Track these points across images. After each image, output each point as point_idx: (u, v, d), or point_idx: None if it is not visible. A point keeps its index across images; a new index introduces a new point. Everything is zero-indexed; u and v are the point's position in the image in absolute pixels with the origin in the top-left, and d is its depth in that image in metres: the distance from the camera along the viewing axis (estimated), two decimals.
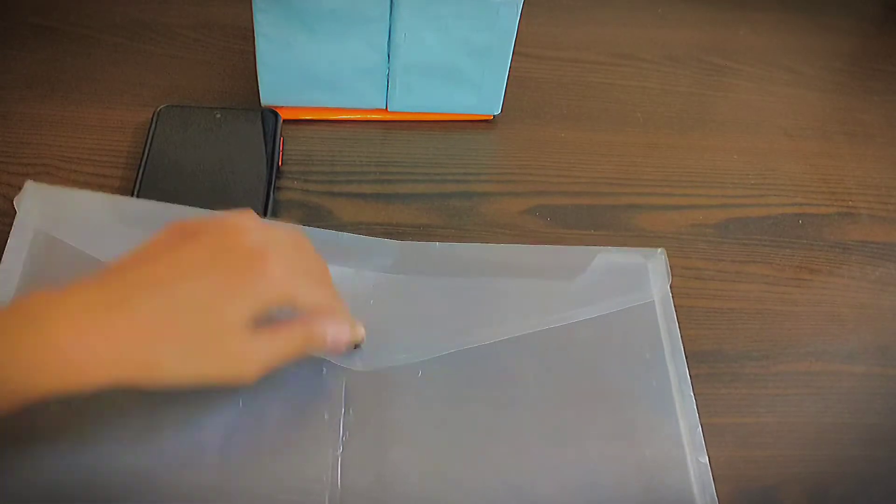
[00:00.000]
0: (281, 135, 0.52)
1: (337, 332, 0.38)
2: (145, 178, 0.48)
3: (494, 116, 0.56)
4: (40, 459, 0.36)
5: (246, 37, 0.51)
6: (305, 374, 0.40)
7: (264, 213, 0.47)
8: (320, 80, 0.52)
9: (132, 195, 0.47)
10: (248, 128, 0.52)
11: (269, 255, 0.35)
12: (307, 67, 0.52)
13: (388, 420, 0.40)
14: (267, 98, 0.53)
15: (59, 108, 0.54)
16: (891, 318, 0.49)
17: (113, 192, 0.49)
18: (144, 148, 0.50)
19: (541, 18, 0.65)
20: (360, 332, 0.40)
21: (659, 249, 0.47)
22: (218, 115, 0.52)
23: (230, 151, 0.50)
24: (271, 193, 0.49)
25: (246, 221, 0.36)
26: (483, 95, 0.54)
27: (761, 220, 0.54)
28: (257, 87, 0.53)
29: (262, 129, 0.52)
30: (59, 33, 0.59)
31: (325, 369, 0.41)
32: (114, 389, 0.32)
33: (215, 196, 0.48)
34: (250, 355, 0.35)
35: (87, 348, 0.31)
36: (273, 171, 0.50)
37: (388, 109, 0.55)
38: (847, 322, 0.49)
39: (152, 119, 0.51)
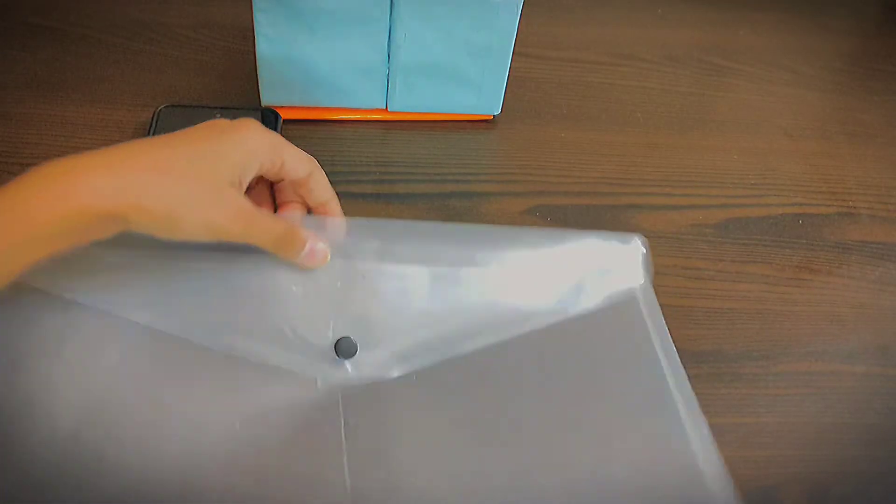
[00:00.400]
0: (281, 135, 0.52)
1: (317, 250, 0.40)
2: None
3: (494, 116, 0.56)
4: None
5: (246, 37, 0.51)
6: (299, 391, 0.40)
7: None
8: (320, 80, 0.52)
9: None
10: None
11: (251, 122, 0.38)
12: (307, 67, 0.52)
13: (386, 427, 0.40)
14: (267, 98, 0.53)
15: (59, 108, 0.54)
16: (891, 318, 0.49)
17: None
18: None
19: (541, 18, 0.65)
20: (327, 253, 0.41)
21: (636, 235, 0.44)
22: (218, 115, 0.52)
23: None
24: (271, 193, 0.49)
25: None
26: (483, 95, 0.54)
27: (761, 220, 0.54)
28: (257, 87, 0.53)
29: None
30: (59, 33, 0.59)
31: (318, 381, 0.41)
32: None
33: None
34: (233, 206, 0.37)
35: (92, 177, 0.33)
36: None
37: (388, 109, 0.55)
38: (847, 322, 0.49)
39: (152, 119, 0.51)
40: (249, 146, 0.38)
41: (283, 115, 0.53)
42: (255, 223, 0.38)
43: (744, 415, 0.44)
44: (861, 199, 0.56)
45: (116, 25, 0.60)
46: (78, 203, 0.32)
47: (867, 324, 0.49)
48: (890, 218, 0.55)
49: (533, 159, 0.55)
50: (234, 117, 0.52)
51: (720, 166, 0.56)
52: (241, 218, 0.37)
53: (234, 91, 0.56)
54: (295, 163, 0.40)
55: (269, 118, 0.52)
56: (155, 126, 0.51)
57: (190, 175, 0.35)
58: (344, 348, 0.41)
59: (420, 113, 0.55)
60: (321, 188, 0.41)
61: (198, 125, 0.38)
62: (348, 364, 0.41)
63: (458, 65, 0.52)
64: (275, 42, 0.50)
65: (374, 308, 0.42)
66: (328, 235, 0.41)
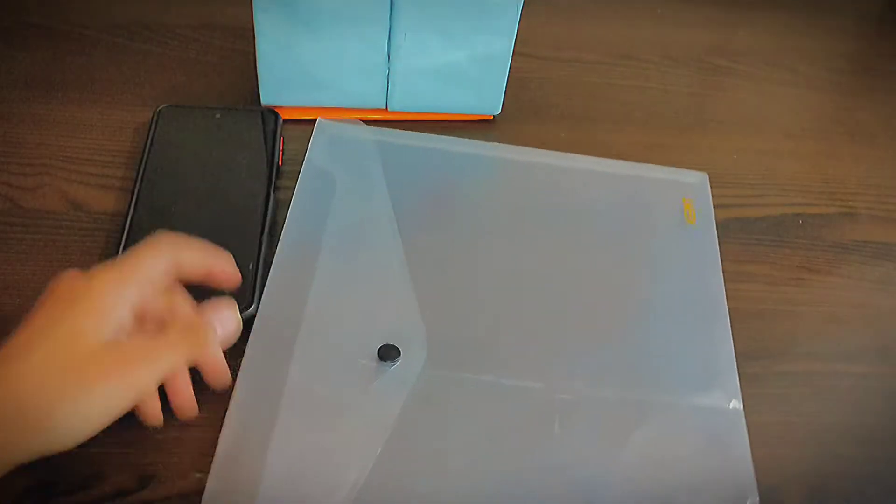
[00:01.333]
0: (281, 135, 0.52)
1: (224, 318, 0.37)
2: (145, 178, 0.48)
3: (494, 116, 0.56)
4: None
5: (246, 37, 0.51)
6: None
7: (265, 213, 0.47)
8: (320, 80, 0.52)
9: (132, 195, 0.47)
10: (248, 128, 0.52)
11: (89, 278, 0.35)
12: (307, 67, 0.52)
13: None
14: (267, 98, 0.53)
15: (60, 108, 0.54)
16: (891, 318, 0.49)
17: (114, 193, 0.49)
18: (144, 148, 0.50)
19: (541, 18, 0.65)
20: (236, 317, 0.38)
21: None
22: (218, 116, 0.52)
23: (230, 151, 0.50)
24: (271, 193, 0.49)
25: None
26: (483, 95, 0.54)
27: (761, 220, 0.54)
28: (257, 87, 0.53)
29: (262, 129, 0.52)
30: (59, 33, 0.59)
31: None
32: None
33: (215, 196, 0.48)
34: (123, 359, 0.33)
35: None
36: (273, 171, 0.50)
37: (389, 109, 0.55)
38: (847, 322, 0.49)
39: (152, 119, 0.51)
40: (101, 298, 0.34)
41: (283, 115, 0.53)
42: (154, 358, 0.34)
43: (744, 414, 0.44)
44: (861, 199, 0.56)
45: (116, 25, 0.60)
46: None
47: (867, 324, 0.49)
48: (890, 218, 0.55)
49: None
50: (234, 117, 0.52)
51: (720, 166, 0.56)
52: (131, 379, 0.33)
53: (235, 91, 0.56)
54: (168, 272, 0.37)
55: (269, 118, 0.52)
56: (155, 126, 0.51)
57: (76, 364, 0.32)
58: (386, 353, 0.42)
59: (420, 113, 0.55)
60: (196, 263, 0.38)
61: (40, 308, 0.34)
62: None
63: (458, 65, 0.52)
64: (275, 42, 0.50)
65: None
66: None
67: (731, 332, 0.46)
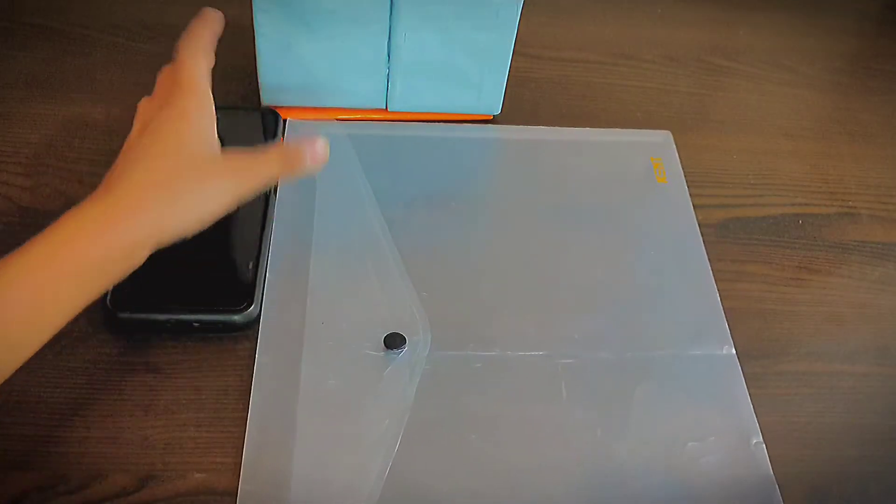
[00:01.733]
0: (281, 135, 0.52)
1: (316, 148, 0.42)
2: None
3: (494, 116, 0.56)
4: None
5: (246, 37, 0.51)
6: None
7: (264, 213, 0.47)
8: (320, 80, 0.52)
9: None
10: (248, 128, 0.52)
11: (182, 93, 0.41)
12: (307, 67, 0.52)
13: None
14: (267, 98, 0.53)
15: (60, 107, 0.54)
16: (890, 318, 0.49)
17: None
18: None
19: (541, 18, 0.65)
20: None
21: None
22: (218, 116, 0.52)
23: (230, 150, 0.50)
24: (271, 194, 0.49)
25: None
26: (483, 96, 0.54)
27: (761, 219, 0.54)
28: (257, 86, 0.53)
29: (262, 129, 0.52)
30: (60, 33, 0.59)
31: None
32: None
33: None
34: (229, 178, 0.40)
35: (121, 215, 0.37)
36: None
37: (388, 109, 0.55)
38: (847, 322, 0.49)
39: None
40: (198, 112, 0.41)
41: (283, 114, 0.53)
42: (255, 172, 0.41)
43: None
44: (861, 199, 0.56)
45: (117, 25, 0.60)
46: (119, 238, 0.36)
47: (867, 324, 0.49)
48: (890, 218, 0.55)
49: None
50: (234, 117, 0.52)
51: (719, 166, 0.56)
52: (247, 172, 0.40)
53: (235, 91, 0.56)
54: None
55: (269, 119, 0.52)
56: None
57: (193, 165, 0.39)
58: (392, 341, 0.43)
59: (420, 113, 0.55)
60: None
61: (141, 132, 0.41)
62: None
63: (458, 65, 0.52)
64: (275, 42, 0.50)
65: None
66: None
67: (714, 282, 0.48)
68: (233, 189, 0.40)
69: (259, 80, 0.52)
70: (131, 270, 0.37)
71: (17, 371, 0.34)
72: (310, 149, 0.42)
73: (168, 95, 0.41)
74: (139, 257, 0.37)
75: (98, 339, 0.43)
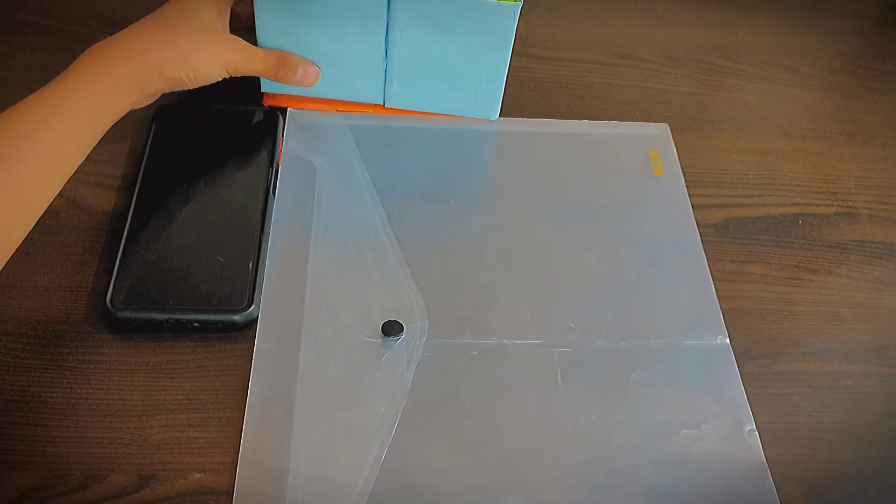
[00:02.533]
0: (281, 135, 0.52)
1: (309, 70, 0.50)
2: (145, 176, 0.48)
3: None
4: None
5: (248, 36, 0.51)
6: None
7: (264, 212, 0.47)
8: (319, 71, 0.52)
9: (133, 193, 0.47)
10: (248, 127, 0.52)
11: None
12: (306, 57, 0.51)
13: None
14: (267, 86, 0.53)
15: None
16: (889, 318, 0.49)
17: (114, 192, 0.49)
18: (145, 147, 0.50)
19: (541, 18, 0.65)
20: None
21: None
22: (218, 115, 0.52)
23: (230, 150, 0.50)
24: (271, 193, 0.49)
25: None
26: (480, 100, 0.54)
27: (760, 219, 0.53)
28: (259, 84, 0.53)
29: (262, 128, 0.52)
30: (60, 32, 0.59)
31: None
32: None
33: (215, 195, 0.48)
34: (231, 44, 0.47)
35: (136, 46, 0.44)
36: (272, 171, 0.50)
37: (386, 106, 0.54)
38: (846, 322, 0.49)
39: (153, 118, 0.51)
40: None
41: (282, 103, 0.53)
42: (253, 55, 0.48)
43: None
44: (860, 199, 0.56)
45: (117, 25, 0.59)
46: (136, 62, 0.43)
47: (866, 324, 0.49)
48: (889, 218, 0.55)
49: None
50: (235, 117, 0.52)
51: (719, 166, 0.56)
52: (240, 52, 0.47)
53: (236, 90, 0.55)
54: None
55: (269, 118, 0.52)
56: (155, 125, 0.51)
57: (192, 28, 0.45)
58: (389, 329, 0.44)
59: (418, 112, 0.55)
60: None
61: (165, 8, 0.46)
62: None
63: (456, 67, 0.52)
64: (275, 32, 0.50)
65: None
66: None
67: (709, 272, 0.49)
68: (225, 60, 0.46)
69: None
70: (144, 102, 0.45)
71: (14, 369, 0.34)
72: (303, 68, 0.49)
73: None
74: (150, 86, 0.44)
75: (97, 338, 0.43)
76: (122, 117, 0.54)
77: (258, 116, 0.53)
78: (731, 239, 0.52)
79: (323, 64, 0.52)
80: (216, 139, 0.51)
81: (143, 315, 0.43)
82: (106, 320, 0.43)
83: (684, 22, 0.67)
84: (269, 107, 0.53)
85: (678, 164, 0.54)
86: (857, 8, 0.71)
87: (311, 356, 0.43)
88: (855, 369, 0.47)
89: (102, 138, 0.52)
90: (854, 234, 0.54)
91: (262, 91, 0.53)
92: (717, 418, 0.42)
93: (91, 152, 0.51)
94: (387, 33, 0.50)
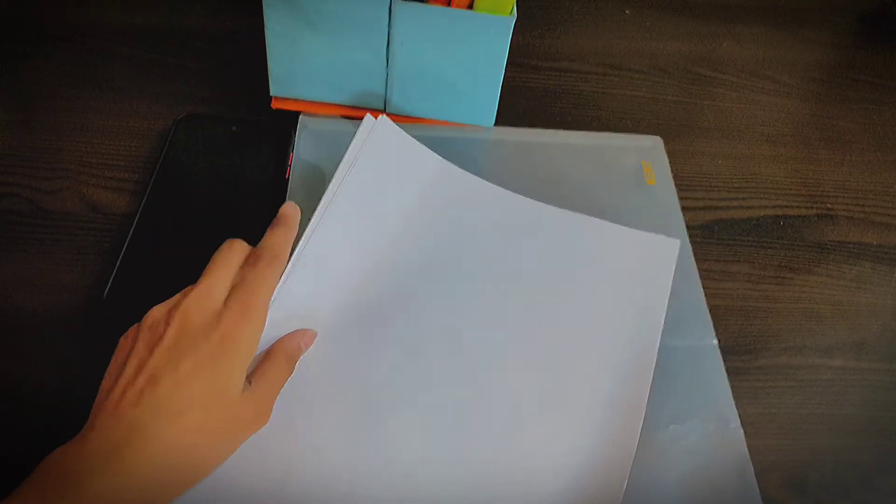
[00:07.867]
0: (291, 150, 0.51)
1: (306, 339, 0.40)
2: (156, 182, 0.48)
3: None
4: None
5: (261, 48, 0.51)
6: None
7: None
8: (323, 77, 0.52)
9: (143, 198, 0.47)
10: (261, 141, 0.52)
11: (238, 324, 0.35)
12: (312, 63, 0.51)
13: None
14: (276, 90, 0.53)
15: (79, 116, 0.54)
16: (866, 315, 0.49)
17: (130, 196, 0.49)
18: (160, 155, 0.50)
19: (536, 31, 0.65)
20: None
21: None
22: (234, 127, 0.52)
23: (241, 162, 0.50)
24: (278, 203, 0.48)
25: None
26: (477, 108, 0.54)
27: (744, 221, 0.53)
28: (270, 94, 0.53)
29: (274, 142, 0.52)
30: (81, 45, 0.59)
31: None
32: None
33: (223, 205, 0.48)
34: (260, 407, 0.36)
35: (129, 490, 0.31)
36: (281, 185, 0.49)
37: (386, 112, 0.54)
38: (825, 318, 0.49)
39: (171, 128, 0.51)
40: (243, 351, 0.35)
41: (289, 107, 0.53)
42: (270, 389, 0.37)
43: None
44: (839, 201, 0.56)
45: (134, 37, 0.60)
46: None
47: (844, 320, 0.49)
48: (866, 220, 0.55)
49: None
50: (249, 130, 0.52)
51: (705, 171, 0.56)
52: (261, 410, 0.36)
53: (251, 101, 0.55)
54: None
55: (283, 133, 0.52)
56: (173, 134, 0.51)
57: (205, 446, 0.34)
58: None
59: (417, 118, 0.55)
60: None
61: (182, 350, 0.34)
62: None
63: (452, 77, 0.52)
64: (282, 37, 0.50)
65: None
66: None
67: (699, 278, 0.48)
68: (256, 427, 0.36)
69: (269, 72, 0.52)
70: None
71: (15, 372, 0.31)
72: (302, 338, 0.40)
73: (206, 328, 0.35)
74: None
75: (97, 338, 0.42)
76: (140, 126, 0.54)
77: (272, 130, 0.52)
78: (716, 240, 0.52)
79: (327, 69, 0.52)
80: (230, 150, 0.51)
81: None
82: (106, 320, 0.42)
83: (672, 35, 0.67)
84: (284, 116, 0.53)
85: (670, 174, 0.54)
86: (833, 21, 0.71)
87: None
88: (834, 363, 0.47)
89: (122, 145, 0.52)
90: (833, 235, 0.53)
91: (270, 94, 0.53)
92: (703, 415, 0.42)
93: (110, 157, 0.52)
94: (388, 44, 0.50)
